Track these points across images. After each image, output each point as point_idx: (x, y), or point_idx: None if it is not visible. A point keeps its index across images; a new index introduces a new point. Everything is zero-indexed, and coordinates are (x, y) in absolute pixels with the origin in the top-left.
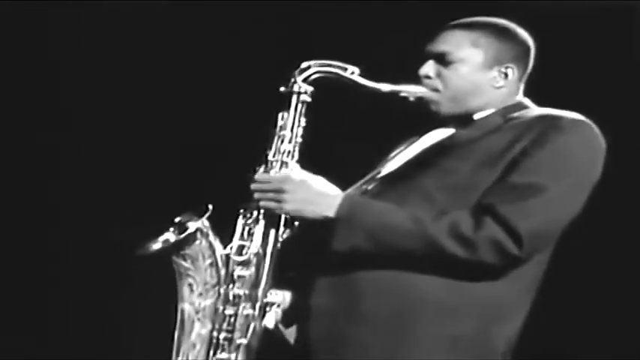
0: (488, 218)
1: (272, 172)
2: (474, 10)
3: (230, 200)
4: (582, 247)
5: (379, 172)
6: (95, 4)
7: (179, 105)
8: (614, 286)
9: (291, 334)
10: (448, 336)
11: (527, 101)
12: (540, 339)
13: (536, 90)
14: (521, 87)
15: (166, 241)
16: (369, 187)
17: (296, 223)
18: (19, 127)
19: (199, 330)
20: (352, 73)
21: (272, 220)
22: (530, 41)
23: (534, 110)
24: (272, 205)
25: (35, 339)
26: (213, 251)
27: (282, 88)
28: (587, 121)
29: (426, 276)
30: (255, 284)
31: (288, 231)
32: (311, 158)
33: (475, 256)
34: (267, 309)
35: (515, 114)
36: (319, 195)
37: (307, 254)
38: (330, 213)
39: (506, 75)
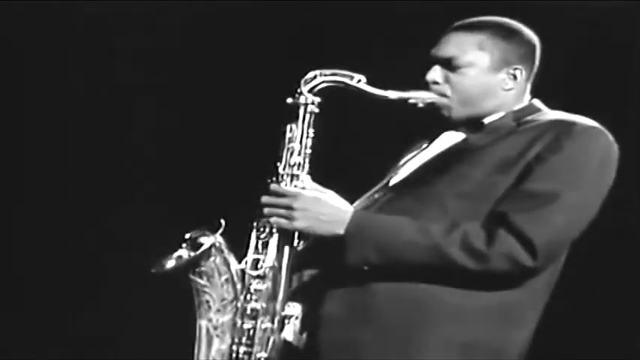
0: (502, 230)
1: (283, 186)
2: (479, 10)
3: (243, 214)
4: (587, 249)
5: (390, 180)
6: (107, 4)
7: (189, 119)
8: (619, 290)
9: (294, 336)
10: (461, 342)
11: (538, 103)
12: (552, 343)
13: (539, 90)
14: (529, 86)
15: (180, 257)
16: (380, 196)
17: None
18: (23, 130)
19: (219, 346)
20: (359, 81)
21: (286, 232)
22: (536, 40)
23: (547, 114)
24: (282, 221)
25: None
26: (229, 267)
27: (289, 100)
28: (601, 127)
29: (439, 284)
30: (273, 297)
31: (302, 243)
32: (321, 168)
33: (488, 268)
34: (286, 322)
35: (528, 117)
36: (330, 212)
37: (320, 265)
38: (340, 230)
39: (515, 76)
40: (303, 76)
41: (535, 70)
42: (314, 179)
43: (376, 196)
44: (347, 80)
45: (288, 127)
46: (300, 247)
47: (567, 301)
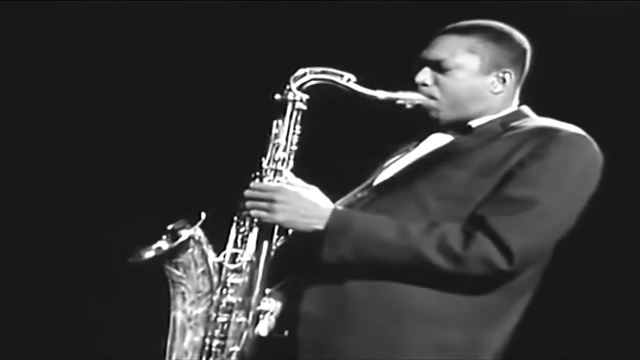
0: (479, 233)
1: (266, 180)
2: (470, 11)
3: (224, 208)
4: (578, 251)
5: (374, 180)
6: (93, 4)
7: (174, 111)
8: (610, 290)
9: (268, 332)
10: (436, 343)
11: (526, 109)
12: (535, 344)
13: (533, 92)
14: (518, 90)
15: (159, 249)
16: (364, 195)
17: (290, 231)
18: (12, 127)
19: (192, 338)
20: (348, 80)
21: (266, 228)
22: (527, 44)
23: (534, 120)
24: (263, 214)
25: (26, 344)
26: (206, 259)
27: (277, 96)
28: (586, 135)
29: (415, 285)
30: (249, 292)
31: (282, 239)
32: (306, 165)
33: (463, 270)
34: (261, 317)
35: (515, 123)
36: (310, 207)
37: (298, 262)
38: (320, 226)
39: (504, 80)
40: (292, 73)
41: (525, 74)
42: (299, 176)
43: (359, 195)
44: (336, 79)
45: (275, 122)
46: (279, 243)
47: (563, 303)
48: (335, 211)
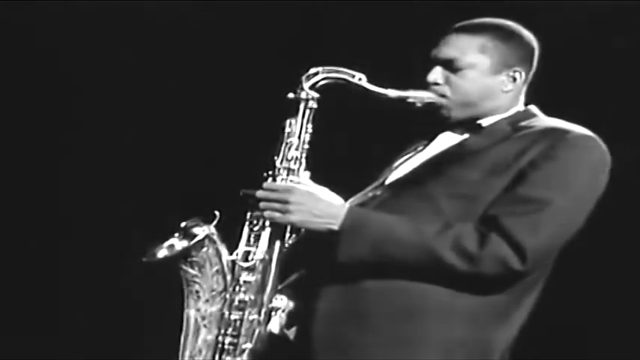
0: (493, 233)
1: (279, 179)
2: (480, 11)
3: (237, 206)
4: (582, 250)
5: (386, 179)
6: (102, 4)
7: (188, 111)
8: (614, 290)
9: (280, 329)
10: (449, 342)
11: (534, 109)
12: (540, 341)
13: (538, 91)
14: (525, 88)
15: (172, 246)
16: (376, 194)
17: (302, 229)
18: (20, 130)
19: (205, 336)
20: (360, 79)
21: (278, 226)
22: (535, 42)
23: (543, 120)
24: (277, 215)
25: (42, 341)
26: (220, 258)
27: (289, 95)
28: (595, 136)
29: (429, 284)
30: (261, 290)
31: (294, 237)
32: (318, 164)
33: (478, 269)
34: (273, 314)
35: (524, 123)
36: (324, 207)
37: (311, 260)
38: (334, 226)
39: (514, 79)
40: (304, 72)
41: (533, 72)
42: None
43: (371, 194)
44: (348, 78)
45: (288, 121)
46: (291, 242)
47: (569, 301)
48: (350, 210)
